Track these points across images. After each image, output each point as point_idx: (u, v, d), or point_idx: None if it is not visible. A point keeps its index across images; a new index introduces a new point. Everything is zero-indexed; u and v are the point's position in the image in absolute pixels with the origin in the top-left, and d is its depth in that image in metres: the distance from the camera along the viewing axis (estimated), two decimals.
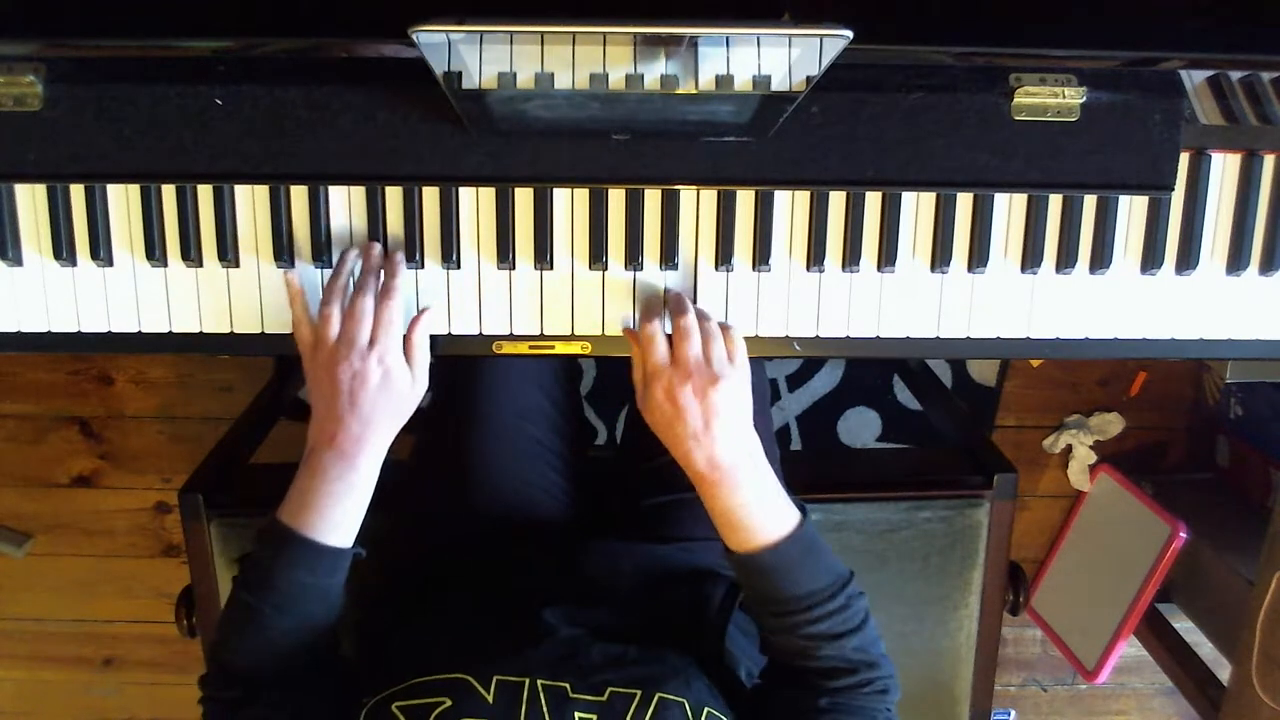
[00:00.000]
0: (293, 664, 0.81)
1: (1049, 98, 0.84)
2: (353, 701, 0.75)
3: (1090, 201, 0.90)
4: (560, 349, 0.92)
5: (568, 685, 0.74)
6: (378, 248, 0.88)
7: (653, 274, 0.90)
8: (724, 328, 0.84)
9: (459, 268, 0.89)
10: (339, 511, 0.81)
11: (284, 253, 0.88)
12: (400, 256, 0.88)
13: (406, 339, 0.85)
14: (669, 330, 0.84)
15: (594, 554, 0.96)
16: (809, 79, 0.74)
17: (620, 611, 0.89)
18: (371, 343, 0.82)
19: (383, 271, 0.86)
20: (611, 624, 0.85)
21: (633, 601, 0.92)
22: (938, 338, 0.92)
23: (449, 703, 0.71)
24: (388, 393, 0.82)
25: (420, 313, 0.88)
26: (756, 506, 0.81)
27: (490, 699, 0.72)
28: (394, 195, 0.88)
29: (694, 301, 0.90)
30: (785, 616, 0.80)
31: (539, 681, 0.74)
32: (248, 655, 0.81)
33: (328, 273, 0.89)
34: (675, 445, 0.81)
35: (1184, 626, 1.79)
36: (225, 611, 0.83)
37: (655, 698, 0.74)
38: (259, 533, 0.83)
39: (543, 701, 0.72)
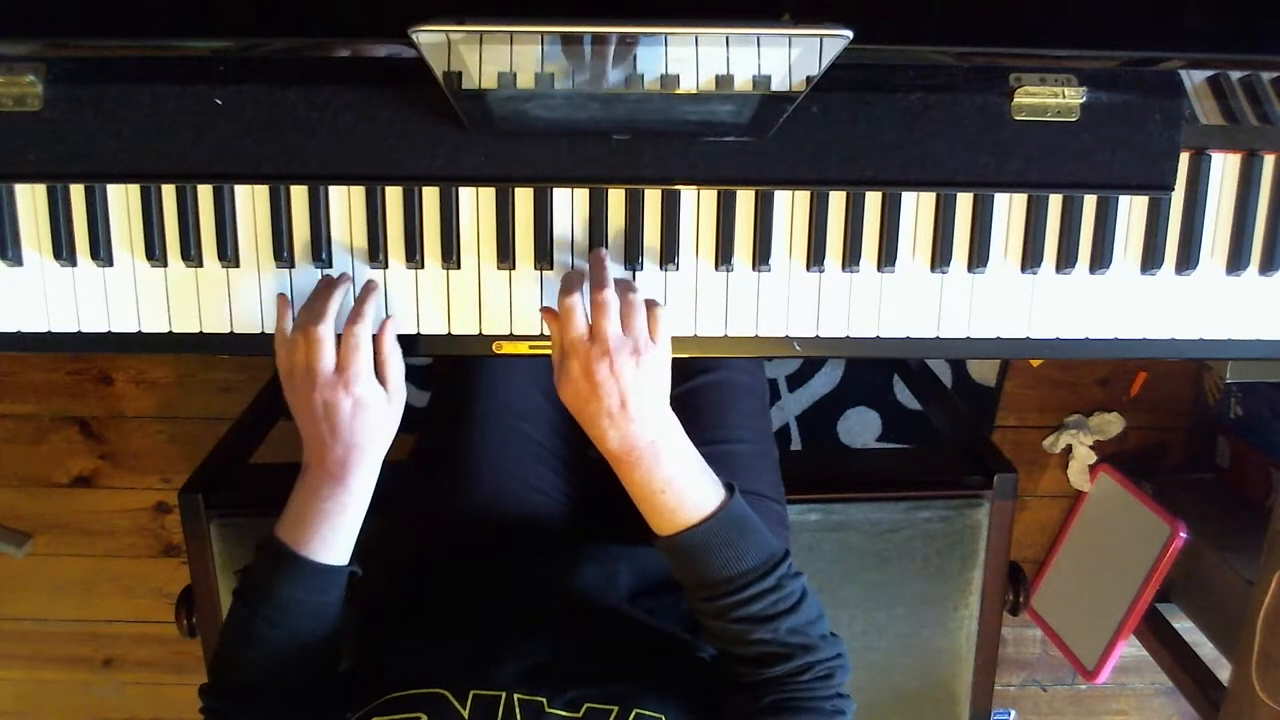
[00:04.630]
0: (290, 678, 0.81)
1: (1049, 98, 0.84)
2: (339, 716, 0.75)
3: (1090, 201, 0.90)
4: None
5: (544, 700, 0.73)
6: (345, 275, 0.87)
7: (653, 274, 0.90)
8: (650, 304, 0.80)
9: (459, 268, 0.89)
10: (331, 530, 0.81)
11: (284, 252, 0.88)
12: (372, 283, 0.87)
13: (376, 352, 0.84)
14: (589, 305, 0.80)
15: (590, 558, 0.95)
16: (809, 79, 0.74)
17: (610, 621, 0.89)
18: (339, 369, 0.81)
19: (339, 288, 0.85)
20: (599, 635, 0.85)
21: (626, 608, 0.91)
22: (938, 338, 0.92)
23: (424, 717, 0.71)
24: (362, 418, 0.81)
25: (384, 322, 0.86)
26: (676, 487, 0.78)
27: (466, 714, 0.72)
28: (394, 195, 0.88)
29: (687, 293, 0.90)
30: (716, 600, 0.78)
31: (515, 696, 0.73)
32: (245, 667, 0.81)
33: (328, 273, 0.89)
34: (589, 424, 0.79)
35: (1184, 626, 1.79)
36: (225, 623, 0.83)
37: (632, 713, 0.73)
38: (257, 546, 0.83)
39: (518, 716, 0.72)
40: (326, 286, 0.85)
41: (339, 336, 0.82)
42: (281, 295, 0.87)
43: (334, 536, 0.81)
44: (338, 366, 0.81)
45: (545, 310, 0.86)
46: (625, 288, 0.81)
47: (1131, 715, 2.19)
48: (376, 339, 0.85)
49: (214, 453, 1.25)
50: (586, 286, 0.81)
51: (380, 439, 0.83)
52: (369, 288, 0.87)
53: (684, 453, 0.80)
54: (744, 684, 0.80)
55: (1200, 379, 1.97)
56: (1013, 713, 2.16)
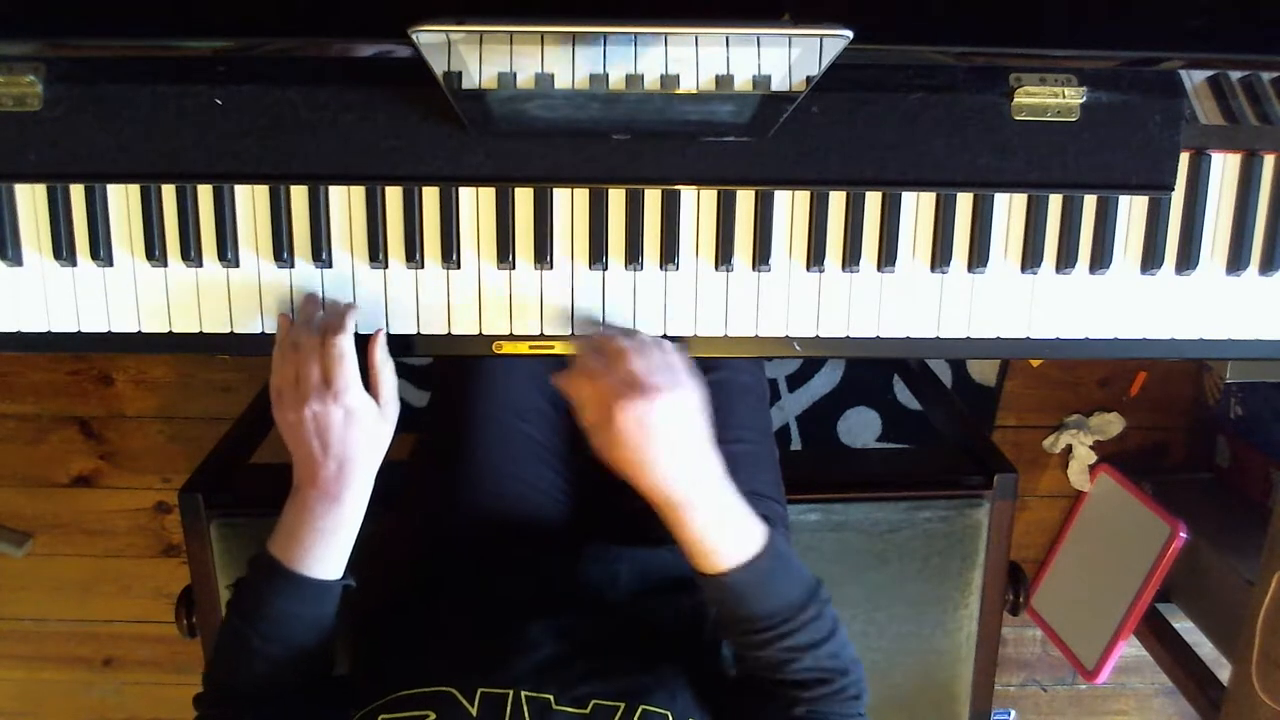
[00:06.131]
0: (284, 685, 0.81)
1: (1049, 98, 0.84)
2: (343, 716, 0.75)
3: (1090, 201, 0.90)
4: (560, 349, 0.92)
5: (551, 697, 0.74)
6: (314, 296, 0.88)
7: (653, 274, 0.90)
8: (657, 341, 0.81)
9: (459, 268, 0.89)
10: (325, 548, 0.81)
11: (284, 253, 0.88)
12: (345, 306, 0.87)
13: (368, 365, 0.84)
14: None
15: (591, 558, 0.95)
16: (809, 79, 0.74)
17: (614, 619, 0.89)
18: (326, 381, 0.81)
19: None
20: (603, 633, 0.85)
21: (628, 608, 0.92)
22: (938, 338, 0.92)
23: (432, 715, 0.71)
24: (355, 429, 0.81)
25: (374, 335, 0.86)
26: (719, 529, 0.77)
27: (474, 711, 0.72)
28: (394, 195, 0.88)
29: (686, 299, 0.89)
30: (761, 633, 0.78)
31: (523, 693, 0.73)
32: (239, 677, 0.81)
33: (328, 273, 0.89)
34: (632, 480, 0.77)
35: (1184, 626, 1.79)
36: (218, 633, 0.83)
37: (639, 710, 0.74)
38: (250, 561, 0.83)
39: (526, 713, 0.72)
40: (318, 306, 0.86)
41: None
42: (283, 315, 0.88)
43: (328, 553, 0.81)
44: (324, 379, 0.81)
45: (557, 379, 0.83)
46: (635, 345, 0.80)
47: (1131, 715, 2.19)
48: (368, 351, 0.85)
49: (214, 453, 1.25)
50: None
51: (373, 453, 0.83)
52: (348, 306, 0.87)
53: (724, 496, 0.79)
54: (775, 698, 0.80)
55: (1200, 379, 1.97)
56: (1013, 713, 2.16)
